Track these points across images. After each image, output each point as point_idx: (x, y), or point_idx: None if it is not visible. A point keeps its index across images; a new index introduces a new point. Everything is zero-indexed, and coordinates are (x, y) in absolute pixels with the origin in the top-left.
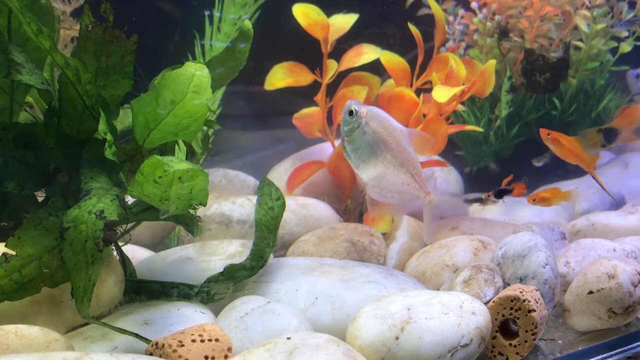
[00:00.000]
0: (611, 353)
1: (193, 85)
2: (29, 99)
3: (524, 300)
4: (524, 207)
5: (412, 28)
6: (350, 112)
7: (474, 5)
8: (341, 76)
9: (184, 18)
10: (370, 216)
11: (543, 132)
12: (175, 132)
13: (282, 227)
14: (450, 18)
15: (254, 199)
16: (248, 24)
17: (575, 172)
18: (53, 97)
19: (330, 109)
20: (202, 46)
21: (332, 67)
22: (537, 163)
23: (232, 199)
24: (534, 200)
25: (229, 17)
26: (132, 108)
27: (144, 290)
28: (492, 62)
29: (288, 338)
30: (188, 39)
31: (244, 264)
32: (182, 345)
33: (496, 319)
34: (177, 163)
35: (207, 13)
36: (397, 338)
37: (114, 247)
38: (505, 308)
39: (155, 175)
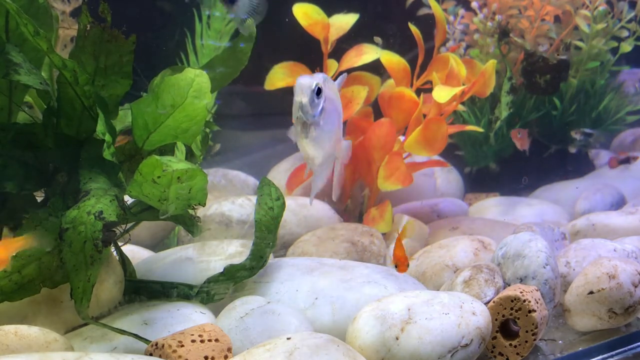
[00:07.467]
0: (611, 353)
1: (193, 90)
2: (27, 98)
3: (524, 301)
4: (524, 207)
5: (413, 28)
6: (318, 92)
7: (474, 5)
8: None
9: (174, 15)
10: (334, 196)
11: None
12: (175, 134)
13: (282, 227)
14: (451, 18)
15: (254, 199)
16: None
17: (575, 171)
18: (52, 97)
19: None
20: (194, 43)
21: (332, 67)
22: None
23: (232, 199)
24: None
25: (219, 14)
26: (132, 110)
27: (143, 291)
28: (493, 62)
29: (288, 338)
30: (178, 36)
31: (243, 264)
32: (182, 346)
33: (496, 319)
34: (176, 163)
35: (195, 10)
36: (397, 338)
37: (113, 247)
38: (505, 308)
39: (154, 175)
